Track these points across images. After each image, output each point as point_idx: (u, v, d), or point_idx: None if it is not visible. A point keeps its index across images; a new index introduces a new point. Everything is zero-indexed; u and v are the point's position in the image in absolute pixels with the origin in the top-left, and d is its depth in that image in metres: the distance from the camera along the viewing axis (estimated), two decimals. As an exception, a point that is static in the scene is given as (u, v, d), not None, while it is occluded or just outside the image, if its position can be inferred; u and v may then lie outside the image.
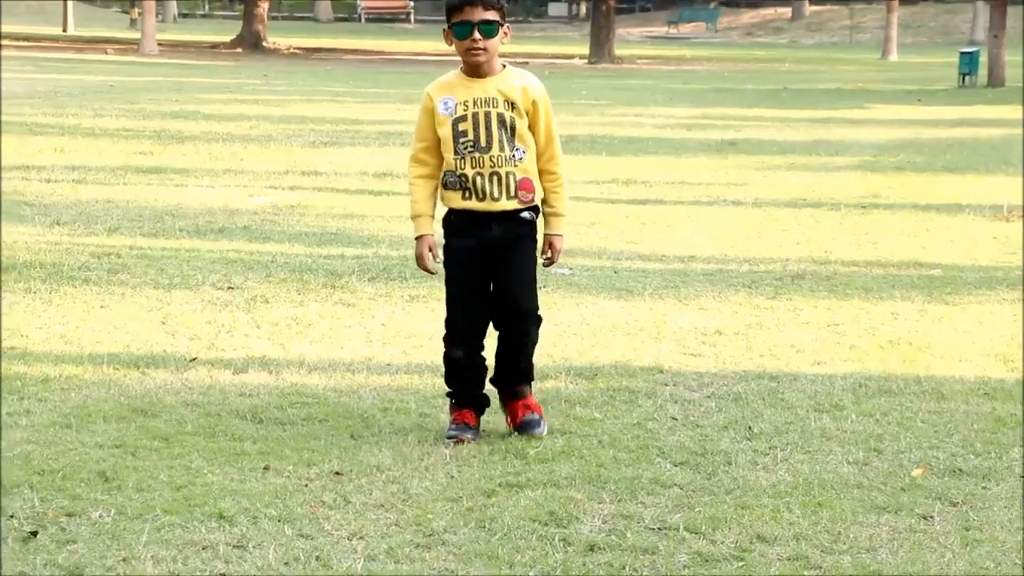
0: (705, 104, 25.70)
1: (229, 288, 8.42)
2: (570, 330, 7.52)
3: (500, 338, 5.69)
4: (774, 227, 11.47)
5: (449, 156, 5.50)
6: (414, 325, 7.60)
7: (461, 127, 5.48)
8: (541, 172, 5.60)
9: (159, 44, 42.19)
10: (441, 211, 5.60)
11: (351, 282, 8.69)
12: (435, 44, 51.73)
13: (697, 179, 14.53)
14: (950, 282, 9.15)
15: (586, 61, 43.45)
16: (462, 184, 5.49)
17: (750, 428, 5.83)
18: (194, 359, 6.74)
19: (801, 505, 4.89)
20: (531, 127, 5.54)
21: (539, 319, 5.69)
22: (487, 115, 5.47)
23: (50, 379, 6.30)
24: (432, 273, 5.65)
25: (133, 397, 6.06)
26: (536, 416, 5.67)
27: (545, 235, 5.65)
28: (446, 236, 5.60)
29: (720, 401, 6.25)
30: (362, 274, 8.94)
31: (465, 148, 5.47)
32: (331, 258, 9.51)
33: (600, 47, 43.83)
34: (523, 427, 5.63)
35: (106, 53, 40.04)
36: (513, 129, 5.49)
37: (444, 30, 5.55)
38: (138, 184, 13.00)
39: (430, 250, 5.56)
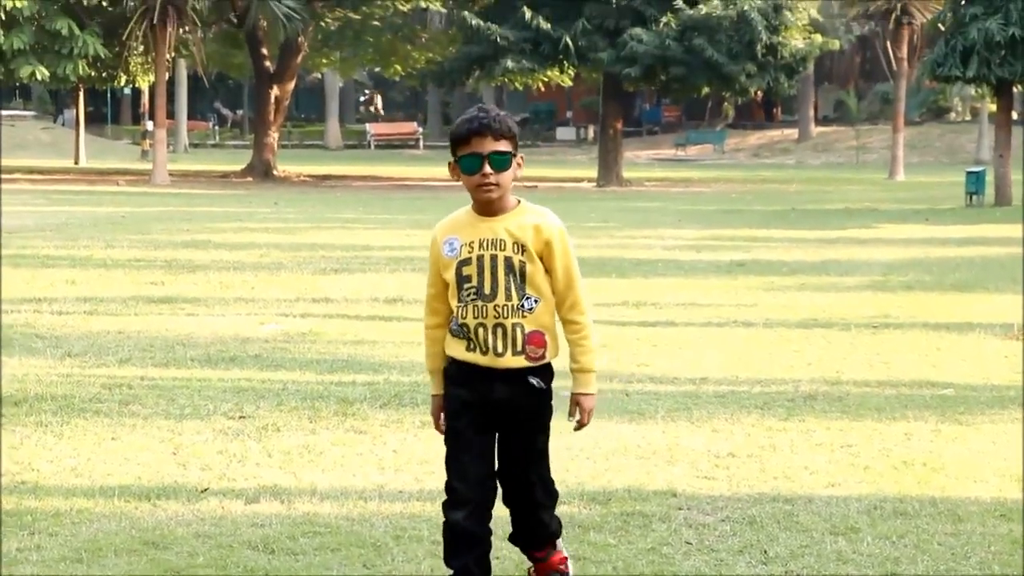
0: (714, 225, 25.83)
1: (240, 417, 8.41)
2: (583, 454, 7.49)
3: (509, 504, 5.10)
4: (785, 348, 11.46)
5: (454, 302, 4.88)
6: (426, 451, 7.56)
7: (465, 271, 4.84)
8: (563, 321, 4.93)
9: (170, 174, 42.57)
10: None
11: (362, 409, 8.67)
12: (445, 170, 51.74)
13: (707, 300, 14.56)
14: (963, 402, 9.12)
15: (594, 184, 43.75)
16: (465, 334, 4.86)
17: (765, 552, 5.78)
18: (205, 490, 6.72)
19: (819, 631, 4.83)
20: (548, 271, 4.87)
21: (554, 495, 5.10)
22: (493, 259, 4.81)
23: (61, 513, 6.27)
24: (443, 434, 5.07)
25: (144, 530, 6.03)
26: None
27: (572, 394, 5.00)
28: (446, 386, 4.98)
29: (735, 525, 6.20)
30: (373, 401, 8.93)
31: (468, 295, 4.84)
32: (342, 385, 9.50)
33: (608, 170, 44.16)
34: None
35: (118, 184, 40.39)
36: (523, 275, 4.81)
37: (449, 163, 4.92)
38: (149, 314, 13.04)
39: (439, 409, 5.05)
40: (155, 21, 41.53)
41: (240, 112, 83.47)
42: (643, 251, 20.24)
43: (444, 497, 4.97)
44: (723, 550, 5.82)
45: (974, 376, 10.15)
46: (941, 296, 15.06)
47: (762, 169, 57.51)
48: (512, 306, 4.82)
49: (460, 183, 4.91)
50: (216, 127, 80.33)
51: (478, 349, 4.85)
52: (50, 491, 6.68)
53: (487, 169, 4.79)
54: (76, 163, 52.68)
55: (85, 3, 41.75)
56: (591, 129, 70.68)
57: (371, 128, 76.44)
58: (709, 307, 14.02)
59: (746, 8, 40.81)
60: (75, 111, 56.07)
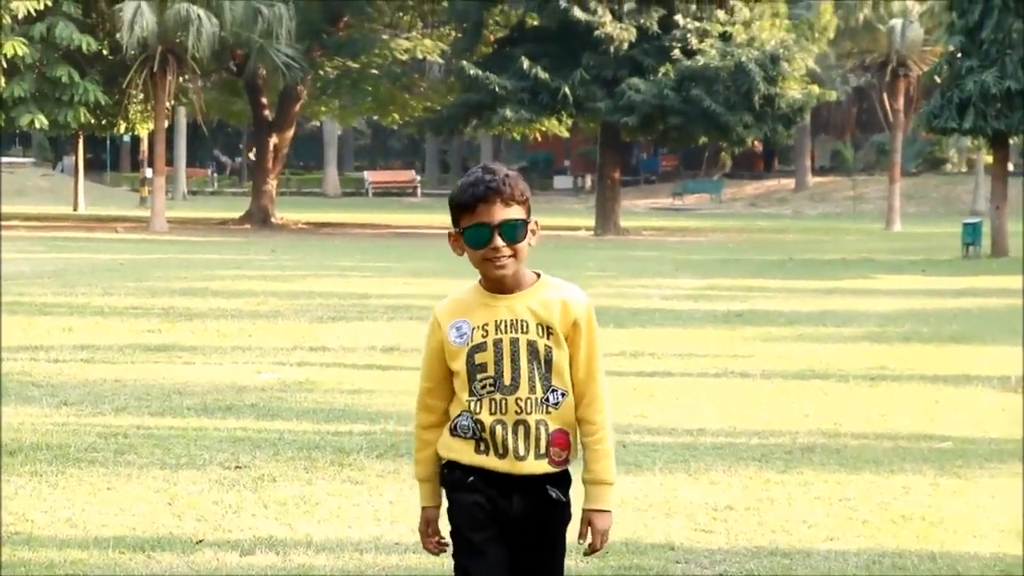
0: (711, 275, 25.84)
1: (236, 467, 8.38)
2: (580, 506, 7.44)
3: None
4: (783, 399, 11.44)
5: (463, 395, 4.04)
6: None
7: (478, 359, 4.01)
8: (576, 420, 4.09)
9: (169, 221, 42.64)
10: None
11: (359, 459, 8.65)
12: (443, 218, 52.23)
13: (704, 351, 14.54)
14: (961, 455, 9.10)
15: (592, 232, 43.83)
16: (476, 433, 4.02)
17: (763, 607, 5.75)
18: (200, 541, 6.69)
19: None
20: (570, 357, 4.07)
21: None
22: (514, 343, 4.01)
23: (55, 564, 6.24)
24: (435, 555, 4.28)
25: (139, 581, 6.00)
26: None
27: (584, 512, 4.11)
28: (449, 494, 4.12)
29: (732, 579, 6.17)
30: (370, 451, 8.90)
31: (483, 388, 4.01)
32: (339, 435, 9.47)
33: (606, 219, 44.26)
34: None
35: (116, 231, 40.43)
36: (548, 363, 4.02)
37: (450, 234, 4.09)
38: (146, 362, 13.02)
39: (428, 526, 4.20)
40: (155, 69, 41.71)
41: (239, 159, 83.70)
42: (640, 300, 20.23)
43: None
44: (721, 605, 5.78)
45: (972, 429, 10.12)
46: (939, 348, 15.04)
47: (759, 219, 57.61)
48: (536, 400, 4.00)
49: (463, 256, 4.10)
50: (215, 174, 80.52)
51: (493, 451, 4.01)
52: (44, 542, 6.64)
53: (498, 241, 3.98)
54: (75, 210, 52.74)
55: (86, 51, 41.93)
56: (589, 178, 70.84)
57: (369, 176, 76.65)
58: (706, 357, 14.00)
59: (744, 59, 40.99)
60: (74, 158, 56.20)
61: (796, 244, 38.62)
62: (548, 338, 4.03)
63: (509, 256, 4.00)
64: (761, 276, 25.78)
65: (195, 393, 11.23)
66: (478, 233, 3.99)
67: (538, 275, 4.11)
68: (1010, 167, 38.44)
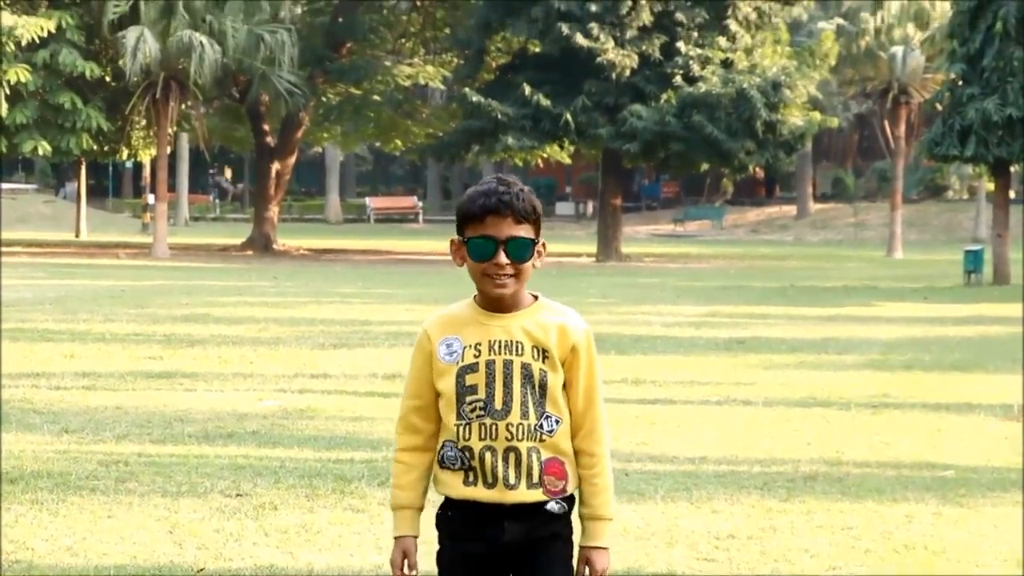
0: (713, 302, 25.83)
1: (237, 495, 8.36)
2: (579, 535, 7.42)
3: None
4: (785, 427, 11.42)
5: (451, 419, 3.83)
6: (425, 531, 7.50)
7: (469, 380, 3.81)
8: (574, 452, 3.88)
9: (170, 247, 42.69)
10: (435, 498, 4.01)
11: (360, 487, 8.63)
12: (444, 244, 51.85)
13: (706, 378, 14.53)
14: (963, 484, 9.08)
15: (593, 259, 43.86)
16: (465, 462, 3.82)
17: (766, 638, 5.73)
18: (201, 570, 6.67)
19: None
20: (566, 384, 3.86)
21: None
22: (507, 366, 3.80)
23: (56, 592, 6.22)
24: None
25: (139, 610, 5.98)
26: None
27: (581, 548, 3.91)
28: (441, 539, 3.93)
29: (735, 609, 6.15)
30: (372, 478, 8.88)
31: (472, 411, 3.80)
32: (340, 462, 9.46)
33: (607, 245, 44.31)
34: None
35: (118, 257, 40.48)
36: (543, 388, 3.81)
37: (453, 241, 3.89)
38: (147, 389, 13.01)
39: (405, 557, 3.92)
40: (157, 96, 41.83)
41: (240, 185, 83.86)
42: (642, 327, 20.21)
43: None
44: (723, 635, 5.77)
45: (975, 458, 10.11)
46: (941, 376, 15.03)
47: (761, 245, 57.64)
48: (528, 426, 3.79)
49: (463, 267, 3.89)
50: (217, 200, 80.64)
51: (482, 480, 3.81)
52: (45, 571, 6.63)
53: (502, 258, 3.78)
54: (77, 236, 52.82)
55: (88, 78, 42.05)
56: (590, 204, 70.92)
57: (371, 202, 76.75)
58: (708, 385, 13.99)
59: (745, 86, 41.08)
60: (77, 184, 56.32)
61: (798, 271, 38.63)
62: (543, 362, 3.81)
63: (511, 275, 3.81)
64: (763, 303, 25.78)
65: (196, 420, 11.22)
66: (483, 246, 3.80)
67: (535, 297, 3.91)
68: (1012, 195, 38.48)
